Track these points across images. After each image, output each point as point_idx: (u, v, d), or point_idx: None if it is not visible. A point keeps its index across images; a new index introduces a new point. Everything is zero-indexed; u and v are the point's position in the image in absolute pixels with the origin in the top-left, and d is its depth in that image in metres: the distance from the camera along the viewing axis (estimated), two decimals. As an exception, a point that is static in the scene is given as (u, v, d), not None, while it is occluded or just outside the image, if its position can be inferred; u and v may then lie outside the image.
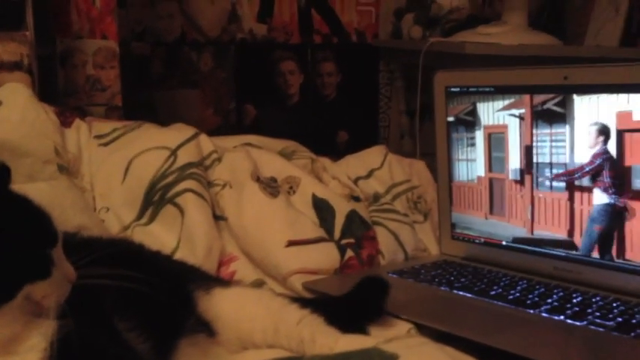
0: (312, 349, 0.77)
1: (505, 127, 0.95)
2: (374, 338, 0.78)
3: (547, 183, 0.96)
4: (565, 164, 0.92)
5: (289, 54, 2.51)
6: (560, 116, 0.90)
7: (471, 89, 1.10)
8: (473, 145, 1.04)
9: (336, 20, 2.52)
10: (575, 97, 0.89)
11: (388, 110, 2.63)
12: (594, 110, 0.88)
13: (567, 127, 0.92)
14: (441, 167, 1.18)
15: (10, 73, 1.40)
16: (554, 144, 0.86)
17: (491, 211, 1.08)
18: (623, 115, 0.85)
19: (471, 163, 1.07)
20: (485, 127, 1.00)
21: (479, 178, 1.09)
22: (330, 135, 2.58)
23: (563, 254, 1.02)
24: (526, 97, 0.95)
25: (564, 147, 0.89)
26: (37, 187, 1.00)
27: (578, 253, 1.00)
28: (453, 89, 1.12)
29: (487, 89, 1.07)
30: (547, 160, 0.94)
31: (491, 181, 1.04)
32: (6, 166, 0.63)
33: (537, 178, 0.96)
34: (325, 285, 1.01)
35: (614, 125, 0.87)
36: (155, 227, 1.11)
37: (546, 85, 1.00)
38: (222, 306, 0.82)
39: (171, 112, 2.34)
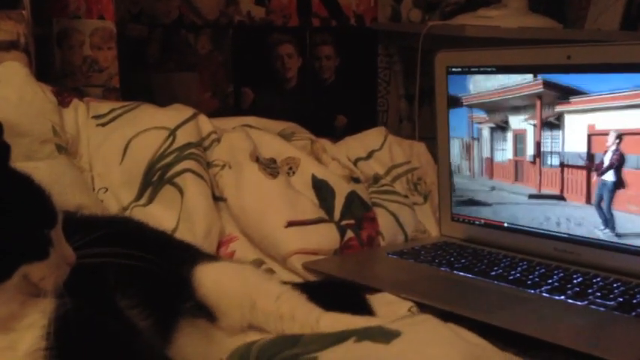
0: (291, 328, 0.73)
1: (525, 130, 1.09)
2: (360, 318, 0.74)
3: (549, 162, 1.05)
4: (559, 153, 1.03)
5: (287, 37, 2.49)
6: (556, 126, 1.04)
7: (472, 69, 1.09)
8: (505, 140, 1.14)
9: (334, 3, 2.50)
10: (566, 115, 1.02)
11: (387, 94, 2.62)
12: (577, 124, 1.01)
13: (560, 132, 1.03)
14: (441, 148, 1.18)
15: (6, 52, 1.38)
16: (553, 142, 1.05)
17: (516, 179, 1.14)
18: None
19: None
20: (514, 131, 1.11)
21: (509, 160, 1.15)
22: (329, 119, 2.57)
23: (564, 236, 1.02)
24: (537, 111, 1.07)
25: (558, 144, 1.04)
26: (35, 167, 0.99)
27: (579, 234, 1.00)
28: (454, 69, 1.12)
29: (489, 69, 1.07)
30: (548, 150, 1.05)
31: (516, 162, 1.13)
32: (6, 143, 0.62)
33: (544, 160, 1.07)
34: (326, 265, 1.01)
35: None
36: (154, 208, 1.11)
37: (549, 65, 0.99)
38: (203, 284, 0.78)
39: (168, 95, 2.32)
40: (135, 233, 0.84)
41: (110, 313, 0.67)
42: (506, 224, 1.09)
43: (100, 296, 0.68)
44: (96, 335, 0.62)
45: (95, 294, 0.67)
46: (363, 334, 0.60)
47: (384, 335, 0.58)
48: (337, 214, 1.12)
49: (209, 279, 0.78)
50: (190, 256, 0.84)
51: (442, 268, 1.00)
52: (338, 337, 0.60)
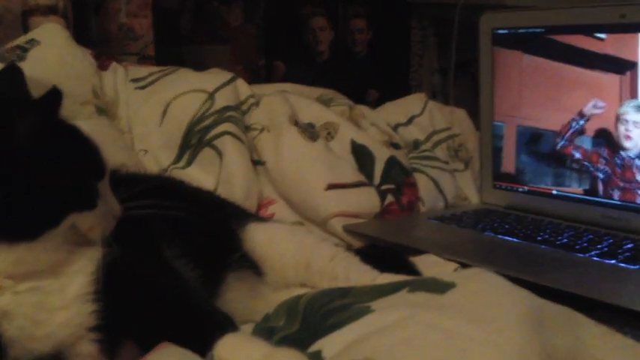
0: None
1: None
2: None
3: None
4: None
5: (320, 10, 2.46)
6: None
7: (520, 31, 1.06)
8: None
9: (368, -25, 2.46)
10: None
11: (420, 69, 2.57)
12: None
13: None
14: (484, 114, 1.15)
15: (45, 16, 1.38)
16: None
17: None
18: None
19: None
20: None
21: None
22: (360, 93, 2.53)
23: (613, 202, 0.99)
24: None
25: None
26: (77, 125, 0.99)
27: (627, 200, 0.97)
28: (500, 31, 1.08)
29: (537, 30, 1.03)
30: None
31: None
32: (59, 89, 0.62)
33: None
34: (367, 228, 1.00)
35: None
36: (193, 170, 1.10)
37: (602, 25, 0.96)
38: (256, 241, 0.78)
39: (200, 67, 2.31)
40: (179, 189, 0.84)
41: (155, 262, 0.67)
42: (554, 191, 1.06)
43: (145, 247, 0.68)
44: (142, 282, 0.62)
45: (140, 244, 0.67)
46: (416, 285, 0.58)
47: (438, 286, 0.56)
48: (377, 179, 1.10)
49: (262, 236, 0.78)
50: (239, 213, 0.84)
51: (486, 233, 0.98)
52: (390, 288, 0.59)
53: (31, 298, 0.56)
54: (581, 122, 1.01)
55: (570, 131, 1.01)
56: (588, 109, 1.00)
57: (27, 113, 0.56)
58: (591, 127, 1.01)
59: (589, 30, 0.97)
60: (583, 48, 0.98)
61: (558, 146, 1.05)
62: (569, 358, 0.48)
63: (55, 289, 0.58)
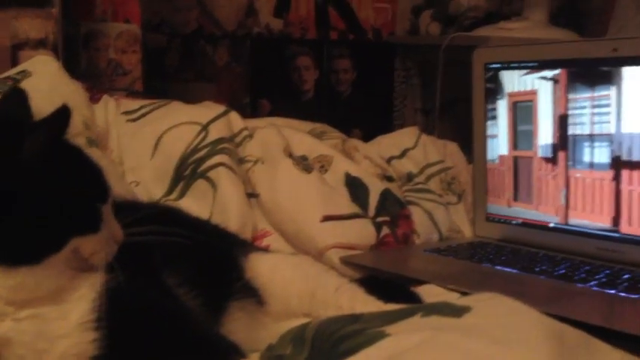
0: None
1: (534, 93, 0.89)
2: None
3: (586, 160, 0.90)
4: (610, 135, 0.88)
5: (305, 49, 2.50)
6: (604, 76, 0.83)
7: (512, 65, 1.08)
8: (494, 117, 0.98)
9: (352, 17, 2.50)
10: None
11: (403, 109, 2.61)
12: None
13: (614, 89, 0.87)
14: (477, 148, 1.16)
15: (34, 50, 1.38)
16: (595, 110, 0.81)
17: (515, 198, 1.04)
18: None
19: (491, 140, 1.00)
20: (510, 95, 0.95)
21: (501, 157, 1.05)
22: (344, 132, 2.55)
23: (607, 234, 0.99)
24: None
25: (609, 114, 0.83)
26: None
27: (623, 232, 0.98)
28: (492, 66, 1.10)
29: (530, 64, 1.05)
30: (586, 132, 0.89)
31: (515, 160, 0.99)
32: (68, 107, 0.61)
33: (574, 154, 0.89)
34: (365, 259, 0.99)
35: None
36: (186, 202, 1.09)
37: (594, 59, 0.98)
38: (259, 270, 0.78)
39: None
40: (179, 216, 0.83)
41: (158, 290, 0.65)
42: (552, 224, 1.06)
43: (146, 273, 0.66)
44: (145, 309, 0.60)
45: (142, 271, 0.65)
46: (429, 310, 0.57)
47: (452, 310, 0.55)
48: (372, 211, 1.10)
49: (265, 266, 0.77)
50: (240, 242, 0.82)
51: (484, 264, 0.98)
52: (402, 313, 0.58)
53: (32, 325, 0.54)
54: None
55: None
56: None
57: (37, 131, 0.54)
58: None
59: (582, 64, 0.99)
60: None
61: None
62: (592, 381, 0.47)
63: (56, 316, 0.56)
